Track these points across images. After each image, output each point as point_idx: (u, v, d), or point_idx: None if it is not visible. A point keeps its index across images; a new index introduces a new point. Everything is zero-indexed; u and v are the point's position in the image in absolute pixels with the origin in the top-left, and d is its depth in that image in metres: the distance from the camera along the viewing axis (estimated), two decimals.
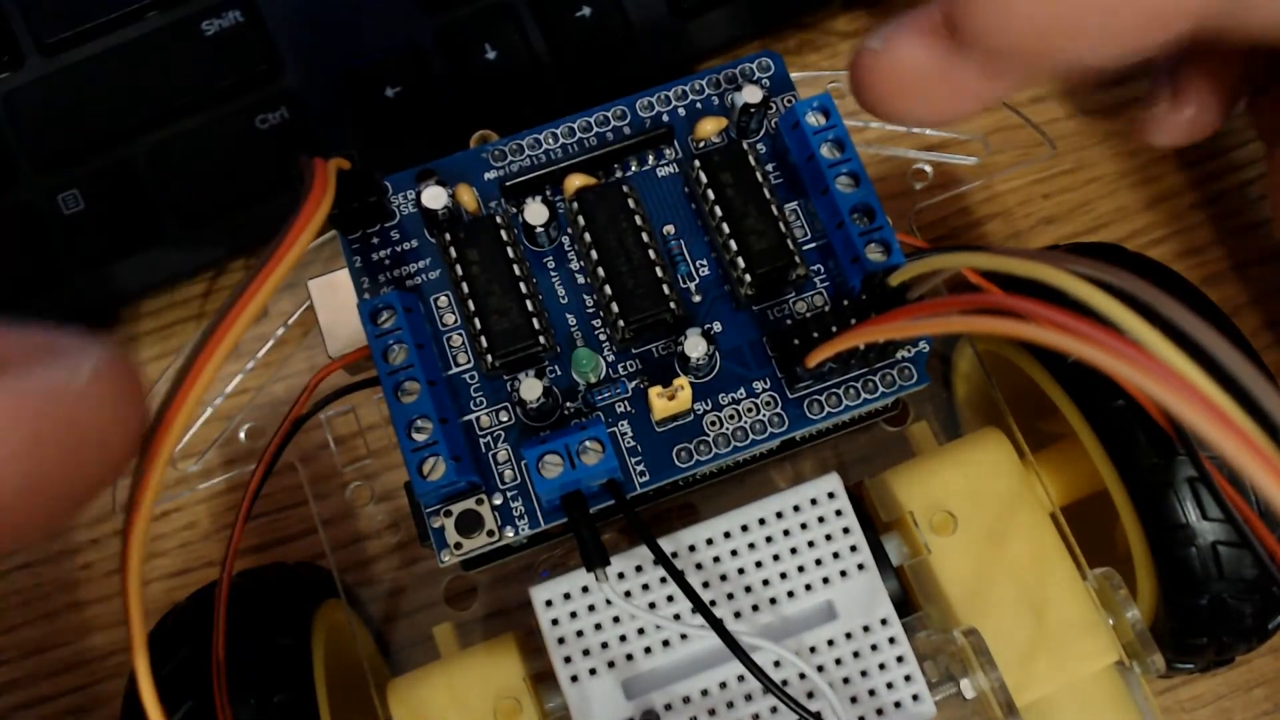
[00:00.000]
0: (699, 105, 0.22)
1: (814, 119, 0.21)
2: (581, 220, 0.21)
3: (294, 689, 0.22)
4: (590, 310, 0.21)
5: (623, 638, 0.20)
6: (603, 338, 0.21)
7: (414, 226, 0.21)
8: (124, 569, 0.15)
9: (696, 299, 0.21)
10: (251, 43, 0.29)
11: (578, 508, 0.19)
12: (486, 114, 0.29)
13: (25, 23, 0.29)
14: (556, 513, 0.20)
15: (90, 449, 0.14)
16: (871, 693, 0.20)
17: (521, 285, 0.20)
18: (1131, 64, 0.18)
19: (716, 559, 0.21)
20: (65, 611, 0.29)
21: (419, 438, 0.19)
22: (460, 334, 0.21)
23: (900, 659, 0.20)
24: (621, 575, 0.21)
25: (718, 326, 0.21)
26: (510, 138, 0.22)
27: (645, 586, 0.21)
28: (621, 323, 0.20)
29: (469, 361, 0.21)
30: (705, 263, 0.21)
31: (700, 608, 0.18)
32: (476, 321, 0.20)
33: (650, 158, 0.22)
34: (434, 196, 0.20)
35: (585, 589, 0.21)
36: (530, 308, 0.20)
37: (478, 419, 0.20)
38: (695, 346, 0.20)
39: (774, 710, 0.20)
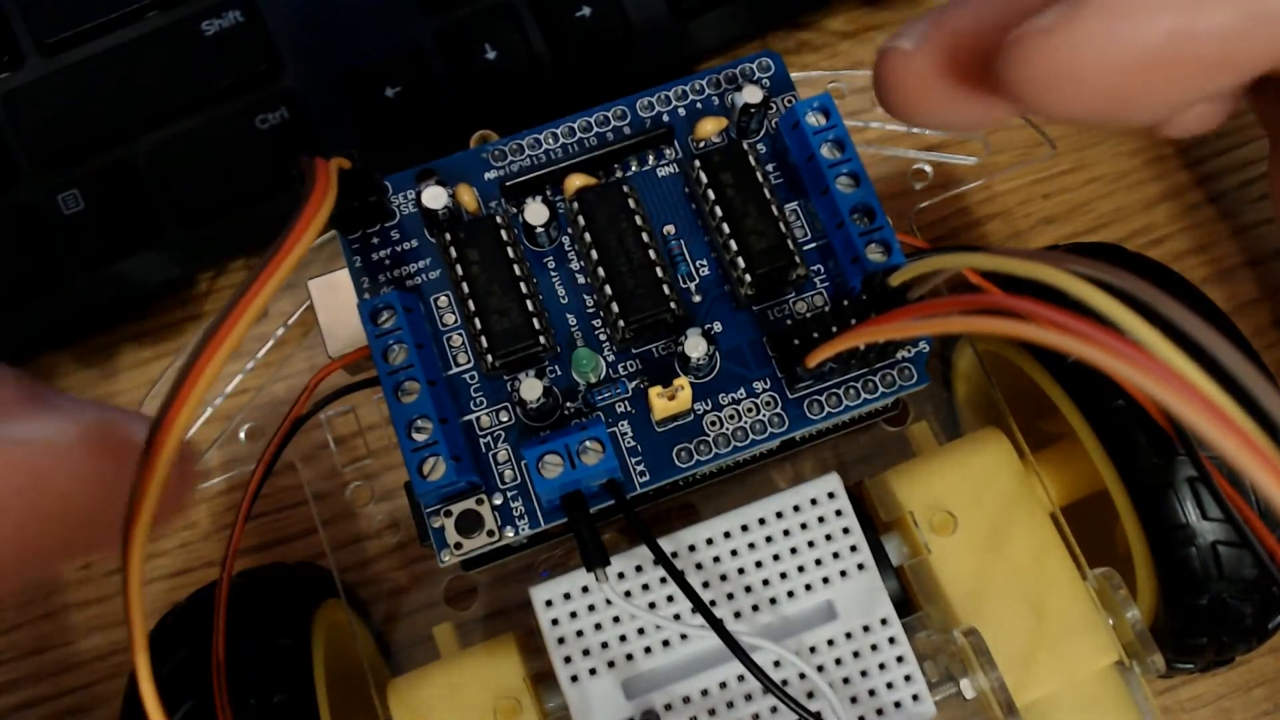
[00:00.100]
0: (699, 105, 0.22)
1: (814, 119, 0.21)
2: (581, 220, 0.21)
3: (294, 689, 0.22)
4: (590, 310, 0.21)
5: (623, 638, 0.20)
6: (603, 338, 0.21)
7: (414, 226, 0.21)
8: (124, 569, 0.15)
9: (696, 299, 0.21)
10: (251, 43, 0.29)
11: (578, 508, 0.19)
12: (486, 114, 0.29)
13: (25, 23, 0.29)
14: (556, 513, 0.20)
15: (57, 514, 0.13)
16: (871, 693, 0.20)
17: (521, 285, 0.20)
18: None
19: (716, 559, 0.21)
20: (65, 611, 0.29)
21: (419, 438, 0.19)
22: (460, 334, 0.21)
23: (900, 659, 0.20)
24: (621, 575, 0.21)
25: (718, 326, 0.21)
26: (510, 138, 0.22)
27: (645, 586, 0.21)
28: (621, 323, 0.20)
29: (469, 361, 0.21)
30: (705, 263, 0.21)
31: (700, 608, 0.18)
32: (476, 321, 0.20)
33: (650, 158, 0.22)
34: (434, 196, 0.20)
35: (585, 589, 0.21)
36: (530, 308, 0.20)
37: (478, 419, 0.20)
38: (695, 346, 0.20)
39: (774, 710, 0.20)
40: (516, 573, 0.27)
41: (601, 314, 0.21)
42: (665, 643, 0.20)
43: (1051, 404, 0.24)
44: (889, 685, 0.20)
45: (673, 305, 0.20)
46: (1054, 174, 0.32)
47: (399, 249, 0.21)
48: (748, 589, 0.21)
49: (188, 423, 0.15)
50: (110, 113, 0.29)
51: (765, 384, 0.21)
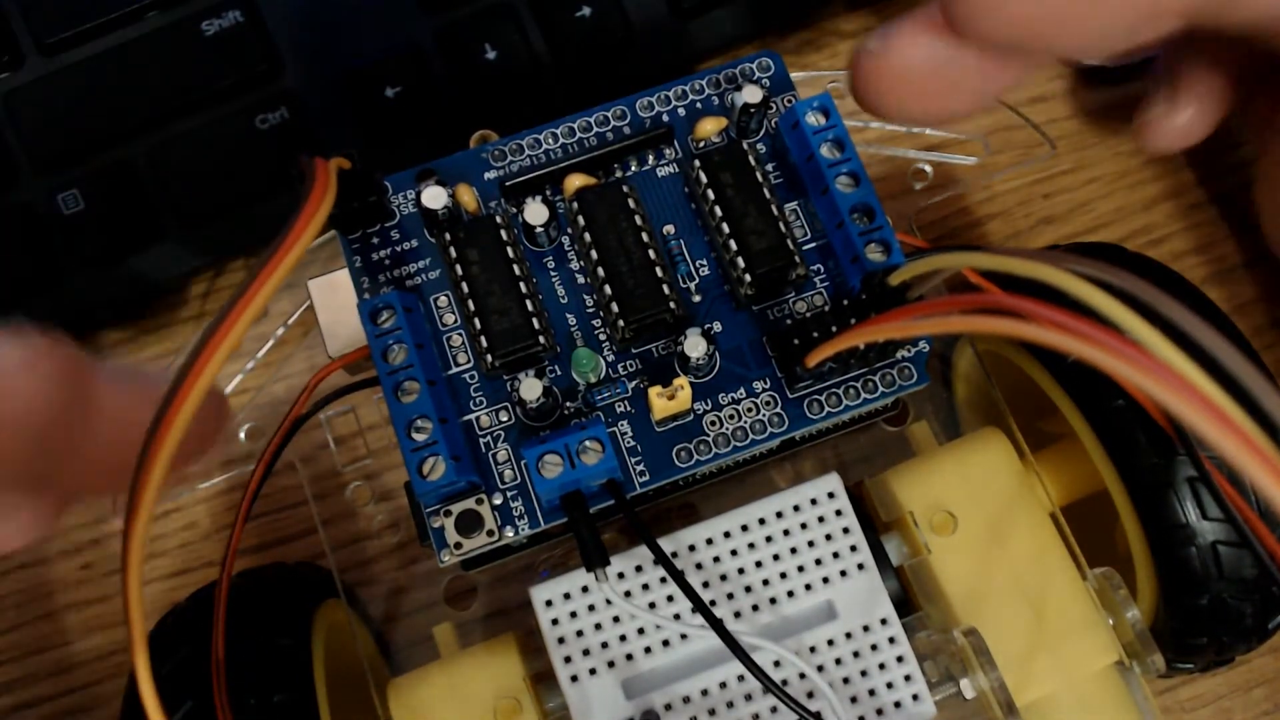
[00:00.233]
0: (699, 105, 0.22)
1: (814, 119, 0.21)
2: (581, 220, 0.21)
3: (294, 689, 0.22)
4: (590, 310, 0.21)
5: (623, 638, 0.20)
6: (603, 338, 0.21)
7: (414, 226, 0.21)
8: (124, 569, 0.15)
9: (696, 299, 0.21)
10: (251, 43, 0.29)
11: (578, 508, 0.19)
12: (486, 114, 0.29)
13: (25, 23, 0.29)
14: (556, 513, 0.20)
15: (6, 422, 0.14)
16: (871, 693, 0.20)
17: (521, 285, 0.20)
18: (1131, 60, 0.19)
19: (716, 559, 0.21)
20: (65, 611, 0.29)
21: (419, 437, 0.19)
22: (460, 334, 0.21)
23: (900, 659, 0.20)
24: (621, 575, 0.21)
25: (718, 326, 0.21)
26: (510, 138, 0.22)
27: (645, 586, 0.21)
28: (621, 323, 0.20)
29: (469, 361, 0.21)
30: (705, 263, 0.21)
31: (700, 607, 0.18)
32: (476, 321, 0.20)
33: (650, 158, 0.22)
34: (434, 196, 0.20)
35: (585, 589, 0.21)
36: (530, 308, 0.20)
37: (478, 419, 0.20)
38: (695, 346, 0.20)
39: (774, 710, 0.20)
40: (516, 573, 0.27)
41: (601, 314, 0.21)
42: (665, 643, 0.20)
43: (1051, 404, 0.24)
44: (889, 685, 0.20)
45: (672, 305, 0.20)
46: (1054, 174, 0.32)
47: (399, 249, 0.21)
48: (748, 589, 0.21)
49: (188, 422, 0.15)
50: (110, 113, 0.29)
51: (765, 384, 0.21)
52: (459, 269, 0.20)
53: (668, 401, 0.19)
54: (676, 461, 0.20)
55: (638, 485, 0.20)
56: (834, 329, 0.19)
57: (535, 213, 0.21)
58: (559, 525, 0.20)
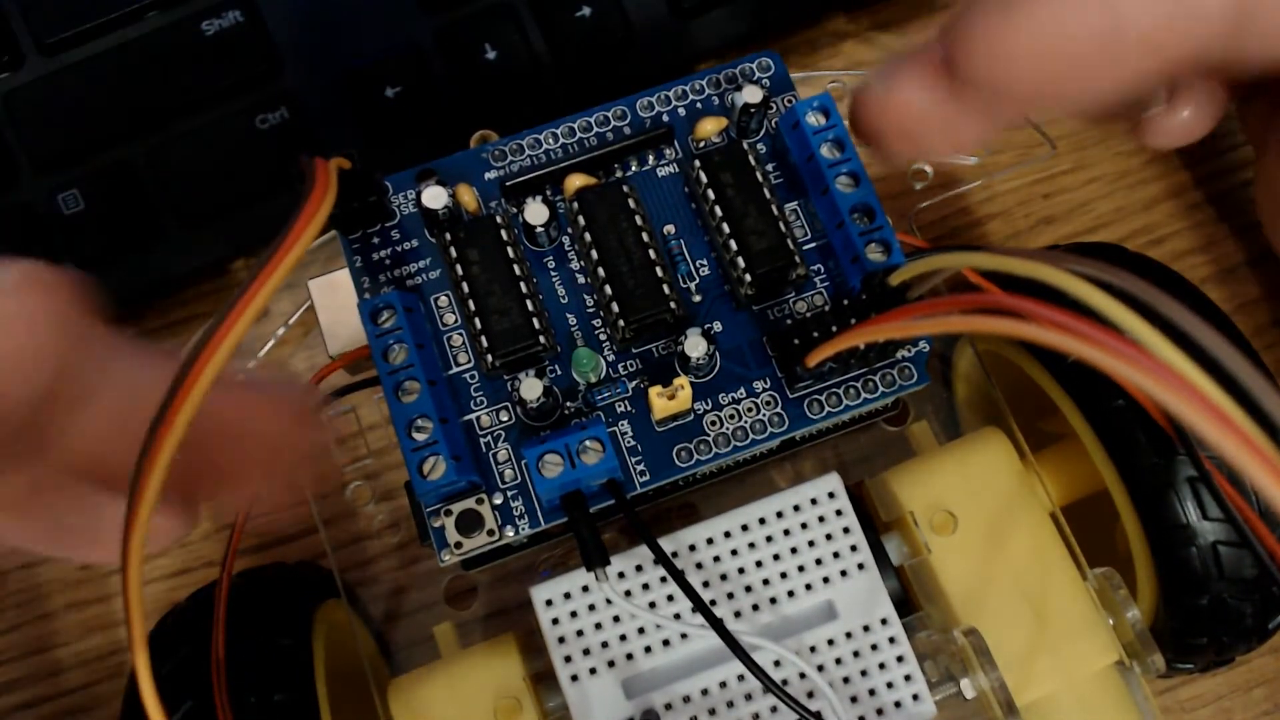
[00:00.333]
0: (699, 105, 0.22)
1: (814, 119, 0.21)
2: (581, 220, 0.21)
3: (294, 689, 0.22)
4: (590, 310, 0.21)
5: (623, 637, 0.20)
6: (603, 337, 0.21)
7: (414, 226, 0.21)
8: (124, 569, 0.15)
9: (696, 299, 0.21)
10: (251, 43, 0.29)
11: (578, 507, 0.19)
12: (486, 114, 0.29)
13: (25, 23, 0.29)
14: (556, 512, 0.20)
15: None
16: (871, 692, 0.20)
17: (521, 285, 0.20)
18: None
19: (716, 559, 0.21)
20: (65, 611, 0.29)
21: (419, 437, 0.19)
22: (460, 334, 0.21)
23: (900, 659, 0.20)
24: (621, 575, 0.21)
25: (718, 326, 0.21)
26: (510, 138, 0.22)
27: (645, 586, 0.21)
28: (621, 322, 0.20)
29: (469, 361, 0.21)
30: (705, 263, 0.21)
31: (700, 607, 0.18)
32: (477, 321, 0.20)
33: (650, 158, 0.22)
34: (434, 196, 0.20)
35: (585, 589, 0.21)
36: (530, 307, 0.20)
37: (478, 419, 0.20)
38: (695, 346, 0.20)
39: (774, 710, 0.20)
40: (516, 572, 0.27)
41: (601, 314, 0.21)
42: (665, 642, 0.20)
43: (1051, 404, 0.24)
44: (889, 685, 0.20)
45: (673, 305, 0.20)
46: (1054, 174, 0.32)
47: (399, 249, 0.21)
48: (748, 589, 0.21)
49: (189, 422, 0.15)
50: (110, 113, 0.29)
51: (765, 384, 0.21)
52: (459, 269, 0.20)
53: (668, 401, 0.19)
54: (677, 461, 0.20)
55: (638, 485, 0.20)
56: (834, 329, 0.19)
57: (535, 213, 0.21)
58: (559, 525, 0.20)
